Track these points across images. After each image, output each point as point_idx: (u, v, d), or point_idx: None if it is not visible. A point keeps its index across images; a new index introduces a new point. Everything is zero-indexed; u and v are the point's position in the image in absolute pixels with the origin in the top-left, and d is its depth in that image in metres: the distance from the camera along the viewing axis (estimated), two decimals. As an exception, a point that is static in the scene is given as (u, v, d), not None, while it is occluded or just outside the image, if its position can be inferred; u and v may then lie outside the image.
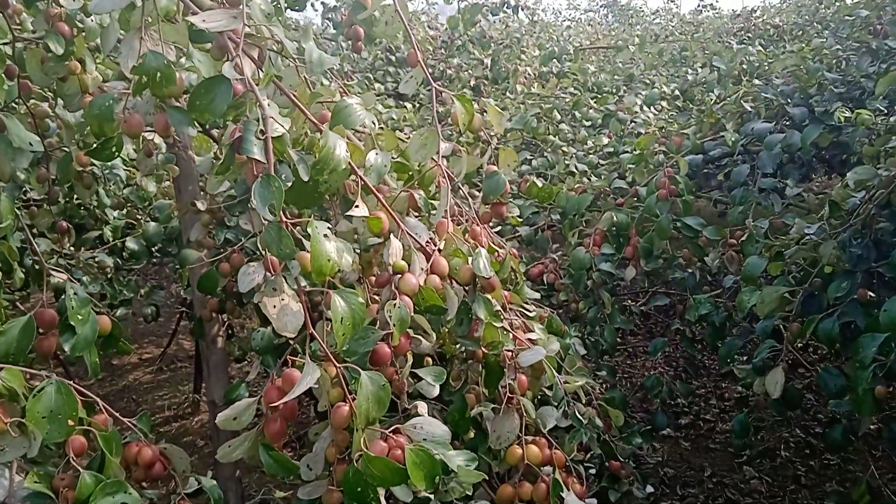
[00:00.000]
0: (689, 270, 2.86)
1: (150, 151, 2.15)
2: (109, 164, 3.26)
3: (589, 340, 2.99)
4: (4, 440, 1.35)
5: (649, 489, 2.40)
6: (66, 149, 2.01)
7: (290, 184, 1.41)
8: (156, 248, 3.41)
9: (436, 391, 1.51)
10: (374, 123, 1.68)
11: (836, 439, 2.16)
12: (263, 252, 1.30)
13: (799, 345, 2.26)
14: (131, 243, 3.19)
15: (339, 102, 1.60)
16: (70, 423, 1.38)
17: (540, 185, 3.18)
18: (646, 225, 2.90)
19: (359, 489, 1.34)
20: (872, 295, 2.05)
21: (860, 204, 2.09)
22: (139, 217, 3.37)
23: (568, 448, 1.88)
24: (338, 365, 1.33)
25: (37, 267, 1.70)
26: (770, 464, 4.00)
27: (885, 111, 2.64)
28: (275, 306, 1.31)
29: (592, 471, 2.23)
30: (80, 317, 1.57)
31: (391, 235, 1.53)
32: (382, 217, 1.48)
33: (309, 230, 1.24)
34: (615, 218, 2.93)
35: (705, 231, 2.75)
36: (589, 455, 2.18)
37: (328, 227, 1.29)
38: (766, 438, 4.24)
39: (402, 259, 1.52)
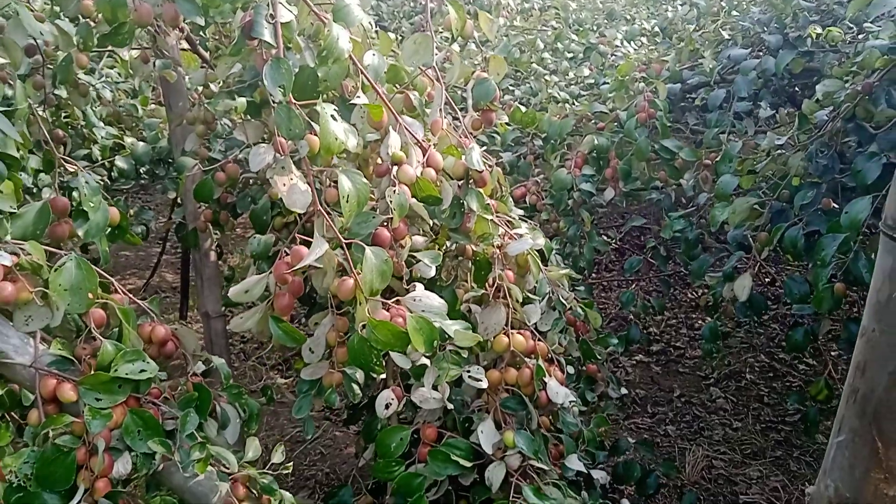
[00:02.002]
0: (665, 192, 2.98)
1: (146, 58, 2.19)
2: (96, 82, 3.28)
3: (567, 263, 3.12)
4: (30, 310, 1.44)
5: (623, 391, 2.57)
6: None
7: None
8: (144, 168, 3.46)
9: (432, 272, 1.61)
10: (370, 25, 1.75)
11: (797, 341, 2.32)
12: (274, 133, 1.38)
13: (765, 256, 2.40)
14: (120, 162, 3.24)
15: (338, 2, 1.66)
16: (90, 296, 1.47)
17: (524, 110, 3.29)
18: (625, 148, 3.02)
19: (363, 354, 1.45)
20: (836, 205, 2.19)
21: (827, 119, 2.22)
22: (126, 137, 3.40)
23: (550, 339, 2.01)
24: (343, 240, 1.43)
25: (48, 158, 1.76)
26: (736, 385, 4.22)
27: (855, 33, 2.74)
28: (284, 185, 1.40)
29: (571, 370, 2.38)
30: (91, 204, 1.65)
31: (390, 129, 1.62)
32: (383, 107, 1.57)
33: (318, 109, 1.33)
34: (596, 141, 3.03)
35: (681, 153, 2.87)
36: (568, 359, 2.33)
37: (334, 109, 1.37)
38: (732, 363, 4.46)
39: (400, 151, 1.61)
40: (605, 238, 3.57)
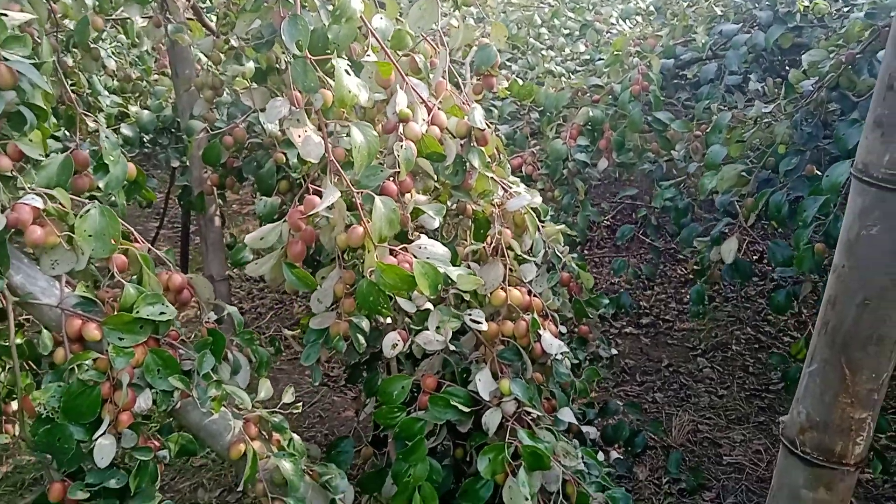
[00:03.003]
0: (658, 162, 3.08)
1: (158, 23, 2.26)
2: (102, 52, 3.34)
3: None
4: (56, 254, 1.52)
5: (613, 351, 2.67)
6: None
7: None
8: (148, 137, 3.53)
9: (436, 223, 1.70)
10: (378, -11, 1.83)
11: (780, 302, 2.43)
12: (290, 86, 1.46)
13: (751, 223, 2.50)
14: (126, 130, 3.29)
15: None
16: (112, 242, 1.55)
17: (521, 83, 3.37)
18: (619, 120, 3.11)
19: (371, 298, 1.54)
20: (819, 172, 2.29)
21: (812, 89, 2.31)
22: (131, 106, 3.47)
23: (545, 296, 2.11)
24: (354, 190, 1.52)
25: (70, 113, 1.83)
26: (722, 355, 4.35)
27: (841, 5, 2.84)
28: (299, 136, 1.49)
29: (564, 330, 2.48)
30: (111, 158, 1.73)
31: (397, 88, 1.71)
32: (391, 66, 1.65)
33: (333, 62, 1.41)
34: (591, 113, 3.12)
35: (673, 124, 2.96)
36: (561, 318, 2.43)
37: (348, 64, 1.46)
38: (719, 335, 4.58)
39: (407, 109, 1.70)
40: (599, 209, 3.66)
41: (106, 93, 3.40)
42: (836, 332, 1.18)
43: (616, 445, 2.94)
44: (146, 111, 3.34)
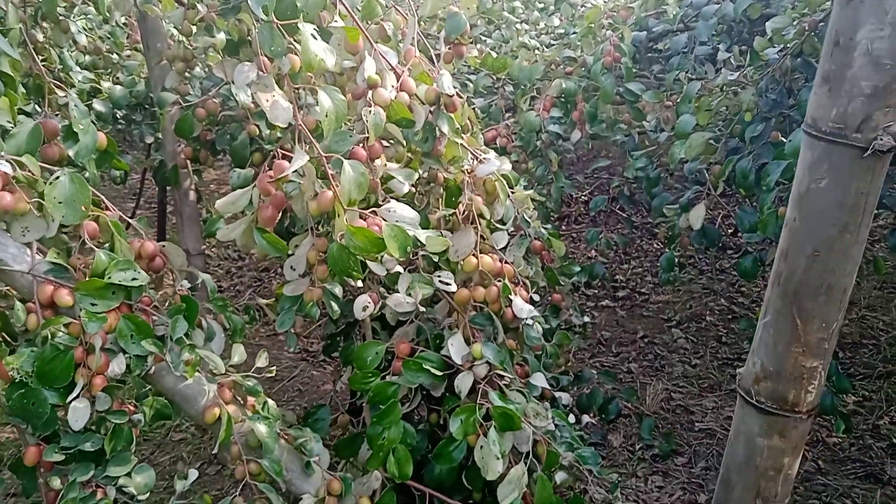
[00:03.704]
0: (630, 134, 3.12)
1: (127, -7, 2.25)
2: (73, 27, 3.30)
3: (536, 204, 3.25)
4: (26, 221, 1.53)
5: (586, 319, 2.72)
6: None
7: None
8: (121, 114, 3.51)
9: (406, 188, 1.73)
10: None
11: (747, 268, 2.49)
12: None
13: (720, 192, 2.55)
14: (98, 105, 3.27)
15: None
16: (83, 208, 1.56)
17: (495, 56, 3.38)
18: (592, 92, 3.14)
19: (342, 262, 1.57)
20: (784, 139, 2.34)
21: (777, 57, 2.35)
22: (103, 82, 3.44)
23: (517, 262, 2.14)
24: (323, 154, 1.54)
25: (38, 82, 1.83)
26: (696, 326, 4.42)
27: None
28: (267, 100, 1.50)
29: (536, 298, 2.52)
30: (81, 126, 1.73)
31: (366, 54, 1.72)
32: (359, 32, 1.66)
33: (299, 26, 1.42)
34: (564, 85, 3.14)
35: (645, 95, 3.00)
36: (534, 286, 2.47)
37: (315, 29, 1.47)
38: (693, 306, 4.66)
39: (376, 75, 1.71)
40: (575, 183, 3.70)
41: (77, 68, 3.37)
42: (788, 284, 1.22)
43: (590, 413, 3.00)
44: (118, 87, 3.31)
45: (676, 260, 2.70)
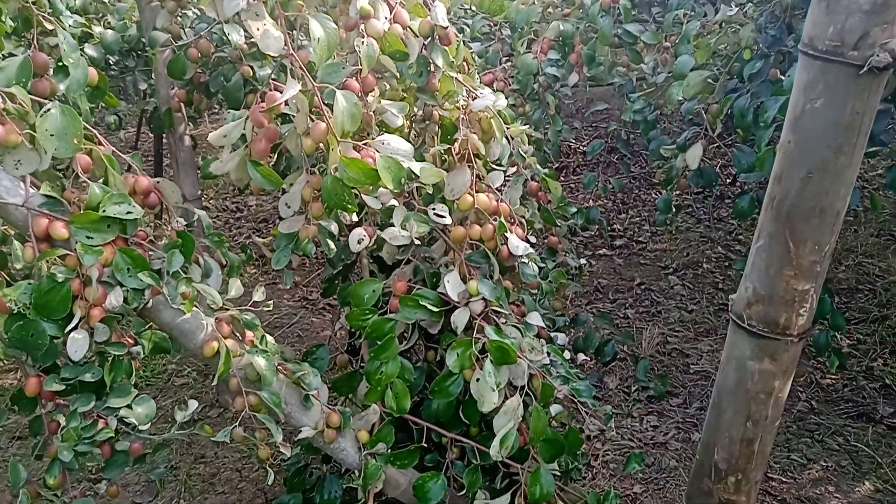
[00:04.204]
0: (628, 76, 3.09)
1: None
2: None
3: (534, 149, 3.24)
4: (19, 153, 1.52)
5: (581, 261, 2.73)
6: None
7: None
8: (114, 59, 3.46)
9: (399, 121, 1.72)
10: None
11: (743, 207, 2.49)
12: None
13: (718, 132, 2.54)
14: (90, 50, 3.23)
15: None
16: (75, 141, 1.55)
17: (491, -1, 3.33)
18: (589, 34, 3.09)
19: (336, 194, 1.57)
20: (783, 77, 2.32)
21: (779, -8, 2.32)
22: (94, 27, 3.39)
23: (513, 200, 2.14)
24: (315, 84, 1.52)
25: (26, 15, 1.80)
26: (693, 273, 4.44)
27: None
28: (258, 29, 1.48)
29: (533, 239, 2.53)
30: (71, 60, 1.71)
31: (357, -15, 1.69)
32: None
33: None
34: (561, 27, 3.10)
35: (643, 37, 2.96)
36: (531, 228, 2.47)
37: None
38: (690, 254, 4.67)
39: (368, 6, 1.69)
40: (572, 128, 3.67)
41: (68, 13, 3.32)
42: (781, 207, 1.22)
43: (586, 353, 3.03)
44: (110, 31, 3.26)
45: (673, 203, 2.69)
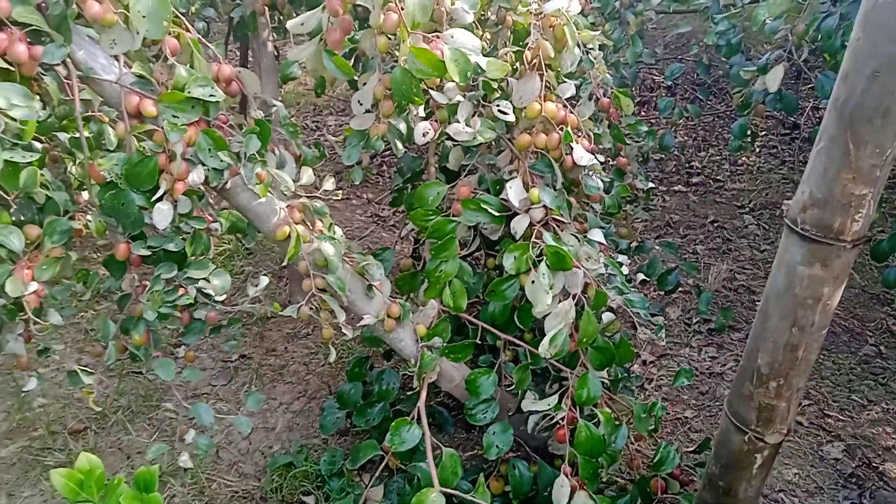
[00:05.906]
0: (714, -2, 2.98)
1: None
2: None
3: (611, 72, 3.19)
4: (114, 32, 1.63)
5: (650, 185, 2.71)
6: None
7: None
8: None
9: (470, 17, 1.74)
10: None
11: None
12: None
13: (804, 58, 2.44)
14: (182, -43, 3.34)
15: None
16: (165, 24, 1.65)
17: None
18: (678, -48, 2.99)
19: (404, 86, 1.63)
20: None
21: None
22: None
23: (581, 112, 2.14)
24: (390, -24, 1.56)
25: None
26: (770, 214, 4.32)
27: None
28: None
29: (602, 158, 2.53)
30: (163, -51, 1.79)
31: None
32: None
33: None
34: (648, -55, 3.01)
35: (734, -45, 2.84)
36: (600, 149, 2.46)
37: None
38: (770, 195, 4.54)
39: None
40: (653, 53, 3.57)
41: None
42: (845, 107, 1.20)
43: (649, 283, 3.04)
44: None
45: (757, 143, 2.62)
